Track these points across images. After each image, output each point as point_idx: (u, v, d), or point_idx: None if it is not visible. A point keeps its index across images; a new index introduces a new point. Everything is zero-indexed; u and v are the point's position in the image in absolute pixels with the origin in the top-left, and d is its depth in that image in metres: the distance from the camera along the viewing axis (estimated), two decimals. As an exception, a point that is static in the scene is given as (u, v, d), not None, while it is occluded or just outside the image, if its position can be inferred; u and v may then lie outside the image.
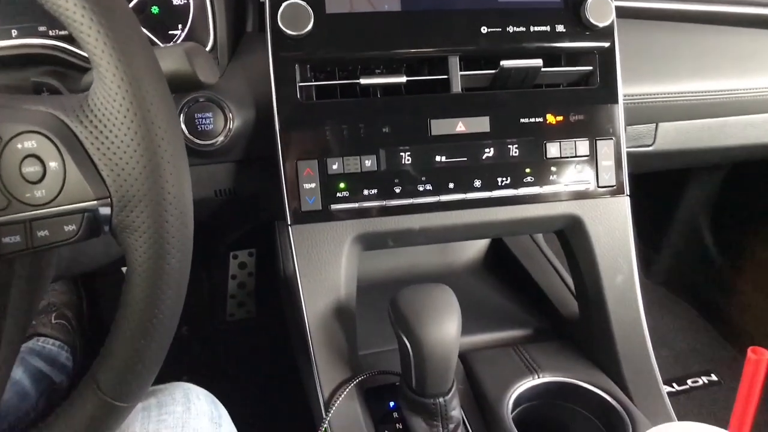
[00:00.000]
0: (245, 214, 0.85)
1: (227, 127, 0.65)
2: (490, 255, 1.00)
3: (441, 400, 0.58)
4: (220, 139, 0.65)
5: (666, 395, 0.67)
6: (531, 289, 0.89)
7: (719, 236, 1.50)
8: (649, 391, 0.68)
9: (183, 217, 0.42)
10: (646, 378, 0.68)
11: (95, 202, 0.39)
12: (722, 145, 0.95)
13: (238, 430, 0.62)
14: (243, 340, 1.37)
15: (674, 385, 1.31)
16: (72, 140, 0.39)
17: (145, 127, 0.38)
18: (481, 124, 0.68)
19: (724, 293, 1.46)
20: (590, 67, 0.72)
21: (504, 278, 0.95)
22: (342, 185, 0.65)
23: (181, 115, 0.64)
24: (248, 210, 0.81)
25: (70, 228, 0.40)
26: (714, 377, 1.36)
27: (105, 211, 0.40)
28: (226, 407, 0.63)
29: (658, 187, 1.47)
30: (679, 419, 0.67)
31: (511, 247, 0.97)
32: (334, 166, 0.65)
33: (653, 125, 0.89)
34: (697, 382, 1.35)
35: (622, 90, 0.73)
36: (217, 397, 0.63)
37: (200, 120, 0.65)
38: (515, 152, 0.69)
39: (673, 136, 0.91)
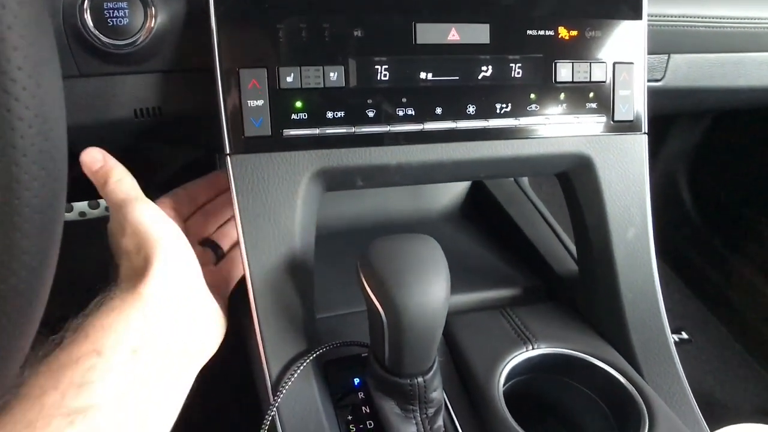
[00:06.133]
0: (178, 143, 0.69)
1: (148, 22, 0.50)
2: (469, 200, 0.87)
3: (420, 380, 0.46)
4: (139, 38, 0.49)
5: (683, 372, 0.57)
6: (517, 242, 0.77)
7: (697, 192, 1.46)
8: (664, 366, 0.57)
9: (44, 118, 0.26)
10: (660, 351, 0.58)
11: None
12: (733, 85, 0.84)
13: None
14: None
15: (646, 344, 1.27)
16: None
17: None
18: (480, 33, 0.53)
19: (699, 251, 1.43)
20: (612, -28, 0.58)
21: (485, 228, 0.82)
22: (299, 104, 0.50)
23: (85, 3, 0.48)
24: (181, 137, 0.65)
25: None
26: (684, 335, 1.33)
27: None
28: None
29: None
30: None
31: (493, 191, 0.84)
32: (289, 78, 0.49)
33: (665, 56, 0.77)
34: (668, 340, 1.33)
35: (647, 5, 0.60)
36: None
37: (111, 12, 0.49)
38: (518, 72, 0.55)
39: (685, 71, 0.79)
